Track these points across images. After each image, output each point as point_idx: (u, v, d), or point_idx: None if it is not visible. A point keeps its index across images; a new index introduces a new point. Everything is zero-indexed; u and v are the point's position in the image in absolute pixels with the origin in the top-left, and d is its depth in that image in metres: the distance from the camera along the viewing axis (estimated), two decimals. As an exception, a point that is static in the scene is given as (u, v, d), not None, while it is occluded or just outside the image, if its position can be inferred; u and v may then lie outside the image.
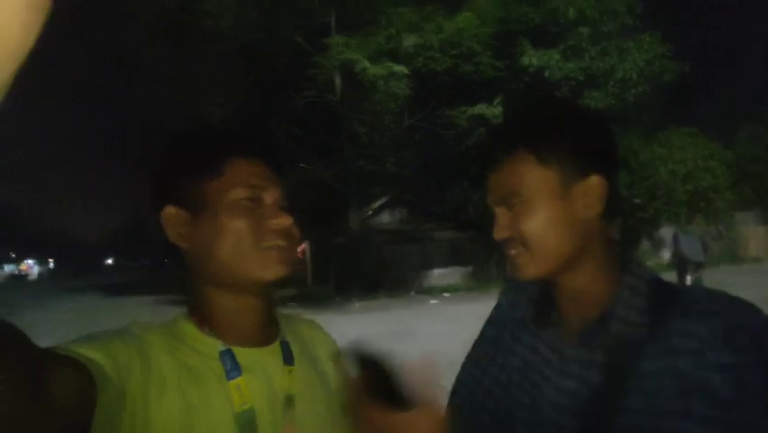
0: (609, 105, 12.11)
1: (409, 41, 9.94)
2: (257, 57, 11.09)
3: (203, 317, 0.67)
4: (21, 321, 0.51)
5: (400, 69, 9.79)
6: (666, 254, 14.51)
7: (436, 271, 14.76)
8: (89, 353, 0.52)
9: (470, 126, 11.78)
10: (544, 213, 0.69)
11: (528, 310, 0.82)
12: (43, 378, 0.44)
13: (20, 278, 53.85)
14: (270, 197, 0.69)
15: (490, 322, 0.91)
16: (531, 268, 0.71)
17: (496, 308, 0.91)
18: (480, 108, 11.48)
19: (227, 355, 0.66)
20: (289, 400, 0.69)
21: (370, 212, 13.77)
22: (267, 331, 0.71)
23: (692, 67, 13.54)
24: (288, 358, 0.72)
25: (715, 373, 0.60)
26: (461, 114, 11.50)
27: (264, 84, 11.20)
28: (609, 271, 0.72)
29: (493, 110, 11.55)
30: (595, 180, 0.69)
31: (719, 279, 10.29)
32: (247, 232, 0.66)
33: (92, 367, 0.51)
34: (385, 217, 14.30)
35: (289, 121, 11.55)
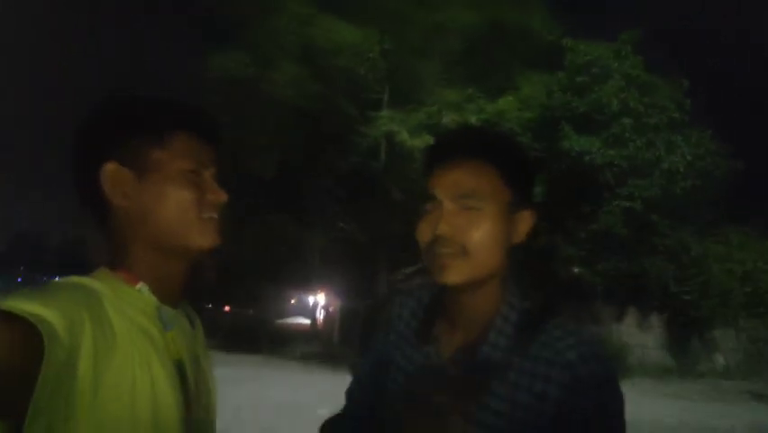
0: (656, 196, 11.84)
1: (448, 117, 10.55)
2: (311, 121, 12.12)
3: (131, 275, 0.69)
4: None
5: (438, 142, 10.31)
6: (720, 359, 13.16)
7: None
8: (38, 310, 0.52)
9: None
10: (493, 226, 0.73)
11: (413, 324, 0.85)
12: None
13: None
14: (210, 172, 0.75)
15: (380, 340, 0.92)
16: (461, 273, 0.72)
17: (387, 323, 0.92)
18: (519, 186, 11.58)
19: (162, 310, 0.69)
20: (196, 359, 0.75)
21: (401, 277, 13.81)
22: (179, 295, 0.76)
23: (750, 165, 13.11)
24: (192, 323, 0.78)
25: (548, 402, 0.68)
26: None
27: (314, 145, 12.14)
28: (498, 299, 0.78)
29: (534, 188, 11.61)
30: (532, 215, 0.78)
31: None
32: (191, 202, 0.70)
33: (40, 325, 0.50)
34: (416, 283, 14.25)
35: (333, 182, 12.27)
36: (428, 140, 10.35)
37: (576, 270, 12.45)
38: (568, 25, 12.83)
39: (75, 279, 0.65)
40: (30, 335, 0.50)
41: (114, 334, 0.60)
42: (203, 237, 0.72)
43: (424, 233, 0.75)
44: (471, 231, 0.72)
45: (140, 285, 0.69)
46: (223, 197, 0.75)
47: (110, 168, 0.69)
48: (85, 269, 0.70)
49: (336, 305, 15.88)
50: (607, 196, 11.89)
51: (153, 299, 0.69)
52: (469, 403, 0.71)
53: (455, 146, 0.78)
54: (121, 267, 0.70)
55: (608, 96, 11.72)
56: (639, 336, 12.96)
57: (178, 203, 0.70)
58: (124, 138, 0.70)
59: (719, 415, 7.14)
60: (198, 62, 12.96)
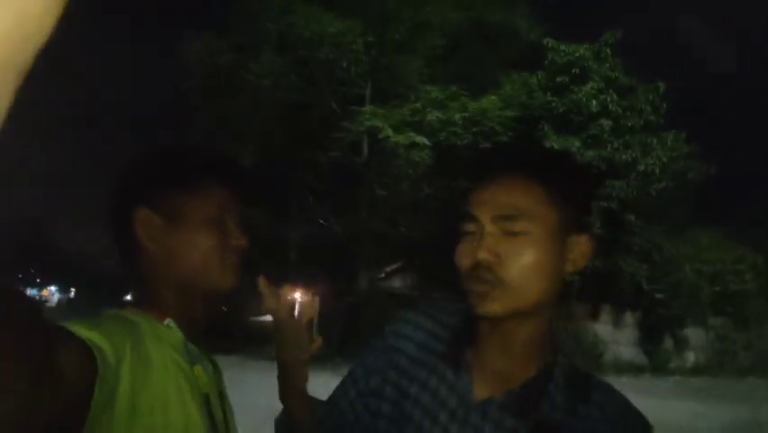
0: (631, 197, 12.09)
1: (432, 115, 10.48)
2: (291, 114, 11.87)
3: (160, 313, 0.74)
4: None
5: (421, 139, 10.25)
6: (691, 357, 13.58)
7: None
8: (91, 335, 0.56)
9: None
10: (538, 253, 0.65)
11: (436, 345, 0.75)
12: (54, 353, 0.46)
13: (40, 304, 54.69)
14: (234, 219, 0.80)
15: (373, 350, 0.83)
16: (501, 304, 0.65)
17: (381, 337, 0.83)
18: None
19: (187, 345, 0.74)
20: (222, 394, 0.80)
21: (383, 275, 13.71)
22: (199, 336, 0.80)
23: (722, 168, 13.56)
24: (214, 362, 0.82)
25: None
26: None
27: (294, 138, 11.88)
28: (545, 337, 0.70)
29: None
30: (587, 239, 0.69)
31: (745, 391, 9.49)
32: (215, 247, 0.76)
33: (96, 351, 0.54)
34: (396, 282, 14.17)
35: (314, 177, 12.04)
36: (412, 137, 10.26)
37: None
38: (550, 26, 12.96)
39: (117, 311, 0.72)
40: (86, 359, 0.53)
41: (150, 362, 0.64)
42: (224, 280, 0.77)
43: (464, 257, 0.68)
44: (514, 258, 0.65)
45: (167, 321, 0.73)
46: (244, 242, 0.79)
47: (143, 213, 0.74)
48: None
49: (315, 302, 15.69)
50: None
51: (180, 335, 0.74)
52: None
53: (499, 161, 0.72)
54: (148, 306, 0.75)
55: (587, 97, 11.90)
56: (613, 334, 13.24)
57: (203, 248, 0.75)
58: (156, 186, 0.76)
59: (693, 414, 7.30)
60: (178, 47, 12.53)
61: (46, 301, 59.27)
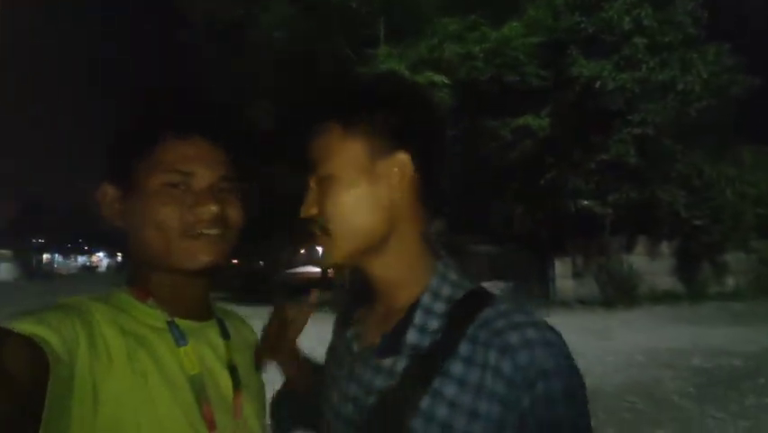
0: (669, 120, 11.34)
1: (451, 50, 9.90)
2: (305, 64, 11.50)
3: (143, 291, 0.67)
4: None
5: (440, 78, 9.77)
6: (730, 282, 13.28)
7: (474, 286, 14.44)
8: (36, 330, 0.51)
9: (515, 138, 11.45)
10: (346, 190, 0.61)
11: (341, 307, 0.76)
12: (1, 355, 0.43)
13: (91, 269, 58.71)
14: (203, 181, 0.65)
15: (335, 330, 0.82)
16: (334, 251, 0.63)
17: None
18: (526, 119, 11.14)
19: (173, 325, 0.66)
20: (233, 370, 0.71)
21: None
22: (204, 307, 0.72)
23: (766, 80, 12.43)
24: (224, 333, 0.73)
25: (484, 420, 0.54)
26: (505, 125, 11.22)
27: (310, 92, 11.58)
28: (416, 266, 0.65)
29: (540, 121, 11.17)
30: (402, 158, 0.62)
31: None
32: (169, 219, 0.63)
33: (42, 344, 0.50)
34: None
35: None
36: (430, 76, 9.77)
37: (585, 203, 12.24)
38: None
39: (73, 299, 0.63)
40: (34, 354, 0.49)
41: (108, 352, 0.58)
42: (186, 258, 0.65)
43: (303, 215, 0.66)
44: (326, 204, 0.62)
45: (149, 301, 0.67)
46: (209, 209, 0.64)
47: (102, 189, 0.67)
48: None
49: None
50: (617, 123, 11.41)
51: (162, 315, 0.66)
52: (398, 402, 0.58)
53: (300, 119, 0.68)
54: (135, 283, 0.68)
55: (618, 14, 10.90)
56: (649, 265, 13.01)
57: (154, 223, 0.64)
58: (113, 156, 0.68)
59: (730, 338, 7.21)
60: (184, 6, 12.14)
61: (96, 267, 63.20)
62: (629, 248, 13.10)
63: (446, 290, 0.63)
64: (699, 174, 12.95)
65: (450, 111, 10.77)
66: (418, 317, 0.62)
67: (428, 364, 0.58)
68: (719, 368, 5.59)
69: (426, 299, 0.62)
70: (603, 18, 11.08)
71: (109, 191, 0.67)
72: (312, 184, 0.66)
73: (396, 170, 0.62)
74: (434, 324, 0.61)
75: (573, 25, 11.28)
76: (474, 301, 0.61)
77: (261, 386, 0.79)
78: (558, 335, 0.58)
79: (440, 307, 0.61)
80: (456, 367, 0.57)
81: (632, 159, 11.34)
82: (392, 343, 0.62)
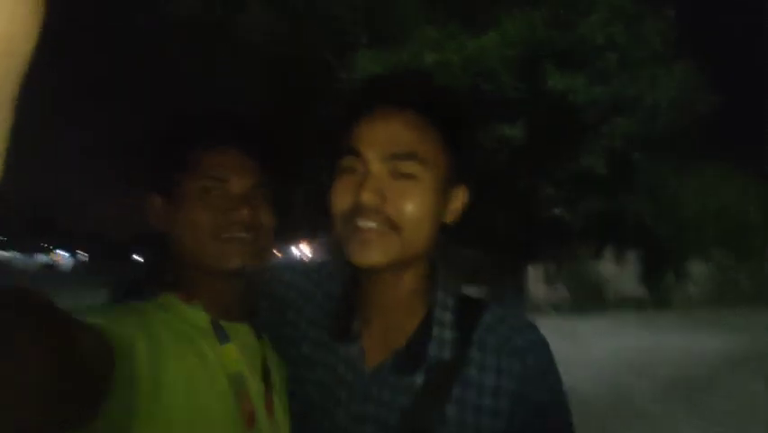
0: (638, 133, 11.80)
1: (430, 57, 10.03)
2: (285, 68, 11.41)
3: (187, 293, 0.72)
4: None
5: (420, 84, 9.88)
6: (692, 290, 13.88)
7: (449, 291, 14.65)
8: (102, 322, 0.56)
9: (490, 146, 11.66)
10: (427, 199, 0.61)
11: (324, 320, 0.71)
12: (75, 342, 0.47)
13: (52, 268, 56.18)
14: (238, 187, 0.72)
15: (269, 324, 0.78)
16: (387, 252, 0.61)
17: (271, 309, 0.77)
18: (501, 128, 11.37)
19: (217, 325, 0.72)
20: (267, 370, 0.75)
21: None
22: (239, 308, 0.77)
23: (730, 99, 13.13)
24: (259, 334, 0.78)
25: (503, 416, 0.60)
26: (481, 133, 11.42)
27: (290, 95, 11.49)
28: (424, 284, 0.68)
29: (514, 131, 11.42)
30: (464, 192, 0.68)
31: (747, 320, 9.76)
32: (204, 222, 0.70)
33: (108, 335, 0.55)
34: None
35: (315, 132, 11.75)
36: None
37: (557, 210, 12.59)
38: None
39: (131, 304, 0.68)
40: (103, 343, 0.53)
41: (162, 346, 0.63)
42: (219, 260, 0.70)
43: (341, 199, 0.62)
44: (405, 202, 0.60)
45: (194, 302, 0.72)
46: (242, 214, 0.70)
47: (150, 199, 0.74)
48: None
49: (322, 255, 15.93)
50: (589, 135, 11.79)
51: (205, 316, 0.71)
52: (424, 416, 0.59)
53: (394, 92, 0.63)
54: (179, 287, 0.73)
55: (592, 29, 11.30)
56: (616, 271, 13.47)
57: (191, 226, 0.70)
58: (154, 166, 0.75)
59: (693, 344, 7.54)
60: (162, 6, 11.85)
61: (58, 266, 60.56)
62: (598, 255, 13.53)
63: (450, 301, 0.67)
64: (663, 186, 13.51)
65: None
66: (436, 331, 0.64)
67: (445, 374, 0.61)
68: (685, 374, 5.84)
69: (438, 312, 0.65)
70: (577, 34, 11.45)
71: (155, 201, 0.74)
72: (381, 169, 0.62)
73: (460, 200, 0.68)
74: (449, 335, 0.64)
75: (548, 39, 11.62)
76: (472, 308, 0.66)
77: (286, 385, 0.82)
78: (539, 330, 0.67)
79: (449, 318, 0.65)
80: (472, 373, 0.61)
81: (601, 170, 11.74)
82: (410, 359, 0.63)
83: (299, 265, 0.81)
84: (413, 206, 0.60)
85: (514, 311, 0.68)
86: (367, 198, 0.59)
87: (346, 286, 0.70)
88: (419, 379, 0.61)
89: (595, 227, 12.86)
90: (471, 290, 0.71)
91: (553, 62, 11.56)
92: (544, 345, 0.66)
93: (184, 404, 0.62)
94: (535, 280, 12.97)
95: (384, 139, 0.60)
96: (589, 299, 12.45)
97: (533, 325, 0.67)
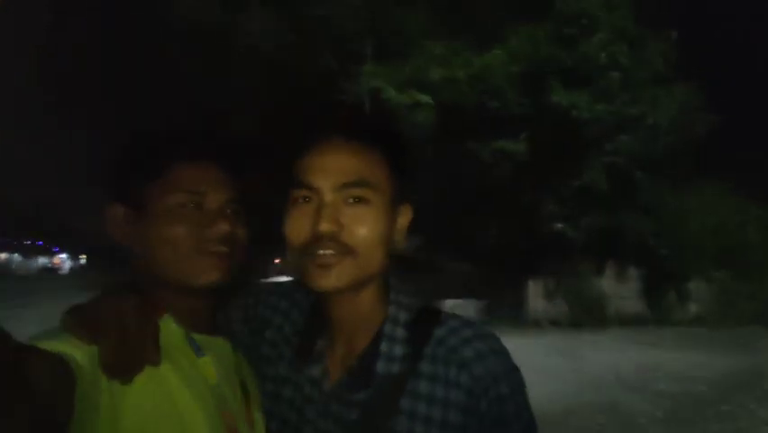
0: (639, 152, 11.91)
1: (436, 73, 10.17)
2: (289, 75, 11.55)
3: (156, 308, 0.68)
4: (40, 310, 0.56)
5: (425, 98, 10.00)
6: (693, 308, 13.84)
7: (449, 303, 14.52)
8: (62, 347, 0.53)
9: (494, 160, 11.77)
10: (379, 221, 0.64)
11: (293, 340, 0.73)
12: (23, 370, 0.45)
13: (51, 271, 56.04)
14: (214, 201, 0.69)
15: (243, 338, 0.78)
16: (345, 276, 0.63)
17: (249, 329, 0.78)
18: (505, 144, 11.48)
19: (191, 338, 0.68)
20: (243, 383, 0.73)
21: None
22: (211, 322, 0.74)
23: (730, 120, 13.28)
24: (235, 347, 0.76)
25: (453, 428, 0.61)
26: (484, 147, 11.54)
27: (293, 103, 11.61)
28: (377, 302, 0.69)
29: (518, 146, 11.53)
30: (410, 209, 0.70)
31: (747, 340, 9.73)
32: (182, 238, 0.66)
33: (67, 359, 0.52)
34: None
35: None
36: (415, 96, 9.99)
37: (559, 226, 12.63)
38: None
39: None
40: (59, 368, 0.51)
41: None
42: (197, 275, 0.68)
43: (297, 230, 0.64)
44: (360, 227, 0.63)
45: (165, 317, 0.67)
46: (223, 228, 0.68)
47: (112, 209, 0.69)
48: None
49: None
50: (591, 151, 11.91)
51: (179, 329, 0.68)
52: (368, 429, 0.63)
53: (340, 124, 0.67)
54: (147, 301, 0.67)
55: (595, 49, 11.46)
56: (617, 288, 13.44)
57: (168, 241, 0.67)
58: (122, 177, 0.70)
59: (694, 363, 7.52)
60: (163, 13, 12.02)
61: (58, 269, 60.42)
62: (598, 271, 13.53)
63: (402, 316, 0.68)
64: (664, 204, 13.57)
65: (432, 130, 11.00)
66: (384, 346, 0.65)
67: (393, 388, 0.63)
68: (685, 392, 5.82)
69: (388, 328, 0.67)
70: (581, 52, 11.61)
71: (119, 211, 0.69)
72: (335, 198, 0.64)
73: (406, 218, 0.70)
74: (399, 350, 0.65)
75: (553, 57, 11.79)
76: (426, 321, 0.67)
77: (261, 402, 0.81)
78: (498, 340, 0.67)
79: (400, 333, 0.66)
80: (422, 386, 0.63)
81: (603, 186, 11.82)
82: (360, 375, 0.65)
83: (281, 286, 0.82)
84: (366, 229, 0.64)
85: (469, 323, 0.67)
86: (325, 227, 0.62)
87: (313, 307, 0.73)
88: (366, 394, 0.64)
89: (596, 243, 12.90)
90: (464, 303, 0.73)
91: (558, 79, 11.73)
92: (495, 354, 0.64)
93: (157, 424, 0.59)
94: (535, 295, 12.96)
95: (335, 169, 0.64)
96: (590, 315, 12.43)
97: (487, 334, 0.65)
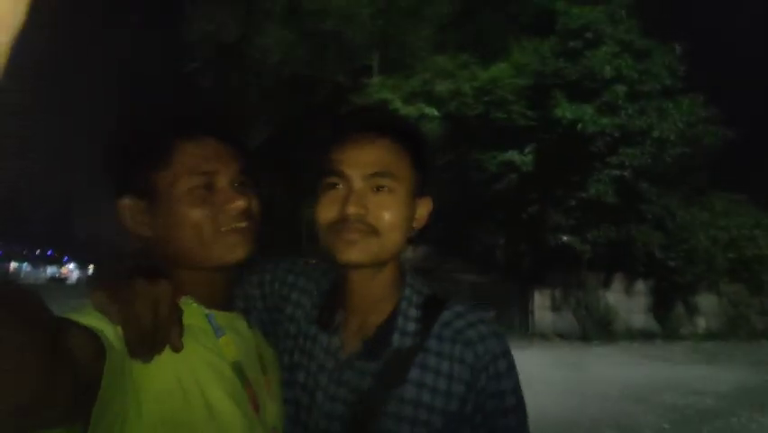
0: (646, 164, 11.88)
1: (443, 86, 10.31)
2: (300, 88, 11.77)
3: (177, 293, 0.67)
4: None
5: (431, 110, 10.13)
6: (702, 323, 13.64)
7: (455, 315, 14.48)
8: (94, 322, 0.55)
9: (500, 172, 11.81)
10: (400, 208, 0.73)
11: (313, 312, 0.79)
12: (63, 340, 0.47)
13: (59, 281, 56.54)
14: (225, 178, 0.70)
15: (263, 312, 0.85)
16: (368, 252, 0.71)
17: (266, 299, 0.85)
18: (511, 155, 11.53)
19: (212, 317, 0.70)
20: (261, 358, 0.75)
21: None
22: (229, 299, 0.77)
23: (740, 132, 13.20)
24: (249, 323, 0.78)
25: (456, 398, 0.70)
26: (491, 159, 11.59)
27: (304, 115, 11.80)
28: (394, 282, 0.78)
29: (523, 158, 11.57)
30: (430, 201, 0.79)
31: (757, 355, 9.57)
32: (203, 220, 0.67)
33: (99, 334, 0.54)
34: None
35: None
36: (422, 108, 10.12)
37: (565, 238, 12.58)
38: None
39: None
40: (92, 341, 0.52)
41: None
42: (224, 253, 0.70)
43: (327, 211, 0.72)
44: (383, 212, 0.72)
45: (184, 298, 0.68)
46: (241, 203, 0.70)
47: (123, 203, 0.69)
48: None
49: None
50: (597, 164, 11.90)
51: (200, 309, 0.70)
52: (377, 395, 0.70)
53: (369, 123, 0.76)
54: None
55: (600, 62, 11.53)
56: (625, 302, 13.30)
57: (189, 225, 0.68)
58: (131, 169, 0.70)
59: (703, 377, 7.42)
60: (179, 28, 12.34)
61: (65, 279, 60.97)
62: (606, 284, 13.40)
63: (416, 297, 0.77)
64: (672, 217, 13.47)
65: (439, 141, 11.10)
66: (400, 322, 0.74)
67: (403, 359, 0.72)
68: (692, 406, 5.74)
69: (404, 306, 0.76)
70: (586, 65, 11.68)
71: (132, 204, 0.69)
72: (364, 185, 0.73)
73: (426, 208, 0.79)
74: (411, 327, 0.74)
75: (558, 70, 11.87)
76: (435, 304, 0.76)
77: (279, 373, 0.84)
78: (495, 325, 0.77)
79: (413, 312, 0.75)
80: (430, 360, 0.72)
81: (610, 199, 11.78)
82: (375, 347, 0.73)
83: (296, 265, 0.89)
84: (389, 214, 0.72)
85: (471, 309, 0.76)
86: (352, 210, 0.71)
87: (334, 282, 0.80)
88: (378, 364, 0.71)
89: (604, 256, 12.81)
90: (439, 290, 0.80)
91: (563, 92, 11.80)
92: (495, 336, 0.74)
93: (185, 401, 0.61)
94: (542, 306, 12.87)
95: (365, 161, 0.72)
96: (597, 328, 12.30)
97: (486, 320, 0.75)
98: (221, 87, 12.38)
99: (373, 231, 0.72)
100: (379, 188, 0.73)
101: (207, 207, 0.68)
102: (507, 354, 0.74)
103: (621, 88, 11.55)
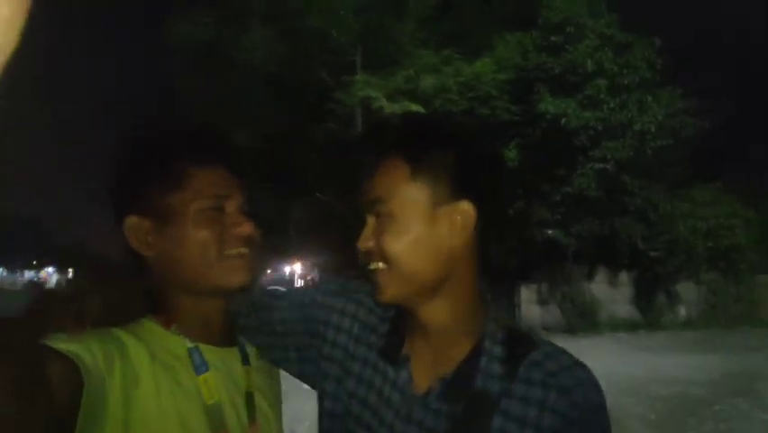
0: (627, 157, 12.06)
1: (427, 82, 10.27)
2: (283, 88, 11.60)
3: (168, 318, 0.69)
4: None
5: (416, 107, 10.08)
6: (683, 311, 13.96)
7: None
8: (72, 347, 0.55)
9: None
10: (408, 232, 0.63)
11: (378, 341, 0.72)
12: (39, 368, 0.46)
13: (37, 285, 55.09)
14: (233, 204, 0.71)
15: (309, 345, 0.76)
16: (389, 289, 0.64)
17: (313, 331, 0.76)
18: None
19: (195, 352, 0.68)
20: (250, 397, 0.73)
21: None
22: (227, 332, 0.75)
23: (719, 124, 13.48)
24: (245, 359, 0.76)
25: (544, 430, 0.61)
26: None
27: (288, 115, 11.65)
28: (469, 312, 0.67)
29: (508, 153, 11.63)
30: (465, 207, 0.64)
31: (736, 342, 9.83)
32: (211, 241, 0.68)
33: (76, 360, 0.53)
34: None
35: (311, 152, 11.88)
36: (407, 106, 10.07)
37: (550, 232, 12.72)
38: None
39: (104, 328, 0.66)
40: (69, 368, 0.52)
41: (137, 377, 0.62)
42: (229, 276, 0.69)
43: (357, 249, 0.68)
44: (385, 242, 0.63)
45: (173, 327, 0.69)
46: (248, 228, 0.71)
47: (130, 222, 0.70)
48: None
49: (315, 275, 15.83)
50: (580, 158, 12.04)
51: (184, 342, 0.69)
52: None
53: (363, 148, 0.70)
54: (160, 311, 0.71)
55: (582, 56, 11.64)
56: (609, 293, 13.54)
57: (198, 245, 0.68)
58: (141, 189, 0.70)
59: (685, 365, 7.58)
60: (157, 31, 12.05)
61: (44, 283, 59.49)
62: (591, 277, 13.62)
63: (499, 334, 0.66)
64: (654, 209, 13.73)
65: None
66: (484, 362, 0.65)
67: (488, 405, 0.63)
68: (677, 395, 5.86)
69: (488, 344, 0.66)
70: (568, 59, 11.79)
71: (138, 223, 0.70)
72: (370, 218, 0.66)
73: (459, 218, 0.63)
74: (496, 368, 0.65)
75: (540, 65, 11.95)
76: (522, 343, 0.66)
77: (280, 405, 0.80)
78: (591, 371, 0.67)
79: (498, 350, 0.65)
80: (514, 406, 0.62)
81: (593, 192, 11.94)
82: (456, 387, 0.64)
83: (330, 285, 0.82)
84: (392, 240, 0.63)
85: (562, 350, 0.67)
86: (363, 245, 0.66)
87: (399, 310, 0.70)
88: (462, 407, 0.64)
89: (588, 249, 13.00)
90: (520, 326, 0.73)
91: (546, 87, 11.89)
92: (593, 385, 0.64)
93: (164, 425, 0.61)
94: (528, 300, 13.01)
95: (364, 189, 0.67)
96: (582, 320, 12.49)
97: (582, 364, 0.65)
98: (204, 89, 12.14)
99: (386, 262, 0.64)
100: (378, 216, 0.65)
101: (216, 229, 0.69)
102: (604, 408, 0.63)
103: (603, 82, 11.69)
